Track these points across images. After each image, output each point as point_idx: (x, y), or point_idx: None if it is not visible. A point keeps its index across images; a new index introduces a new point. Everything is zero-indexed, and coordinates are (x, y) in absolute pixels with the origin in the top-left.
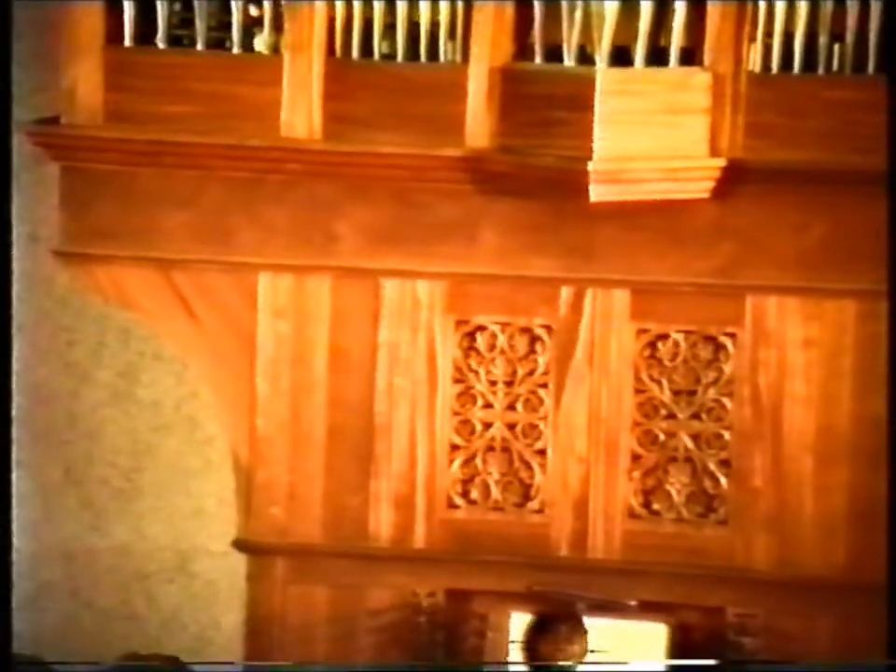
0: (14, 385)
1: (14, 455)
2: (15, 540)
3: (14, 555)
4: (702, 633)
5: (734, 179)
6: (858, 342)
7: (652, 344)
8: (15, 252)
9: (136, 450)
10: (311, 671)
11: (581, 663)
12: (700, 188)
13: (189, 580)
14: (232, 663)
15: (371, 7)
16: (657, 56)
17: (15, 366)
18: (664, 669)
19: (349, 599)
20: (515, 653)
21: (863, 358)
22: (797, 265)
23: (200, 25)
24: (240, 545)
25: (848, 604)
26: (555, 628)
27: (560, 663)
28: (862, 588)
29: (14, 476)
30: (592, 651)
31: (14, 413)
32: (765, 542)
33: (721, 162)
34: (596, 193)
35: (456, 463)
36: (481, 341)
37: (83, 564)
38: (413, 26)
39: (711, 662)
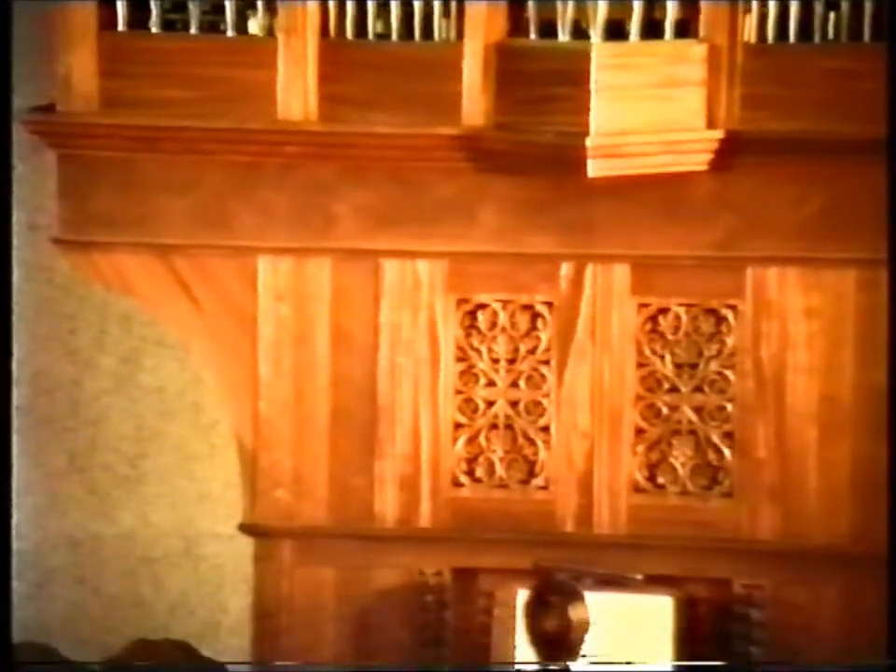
0: (17, 374)
1: (18, 444)
2: (20, 529)
3: (20, 544)
4: (708, 605)
5: (731, 151)
6: (859, 311)
7: (654, 318)
8: (14, 241)
9: (140, 436)
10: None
11: (584, 632)
12: (698, 160)
13: (196, 564)
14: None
15: None
16: (652, 29)
17: (17, 354)
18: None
19: (356, 580)
20: (522, 630)
21: (865, 327)
22: (797, 235)
23: (193, 9)
24: (246, 529)
25: (853, 573)
26: (551, 602)
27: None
28: (867, 558)
29: (18, 465)
30: (592, 623)
31: (17, 402)
32: (770, 513)
33: (719, 134)
34: (594, 168)
35: (460, 441)
36: (482, 319)
37: (89, 551)
38: (407, 5)
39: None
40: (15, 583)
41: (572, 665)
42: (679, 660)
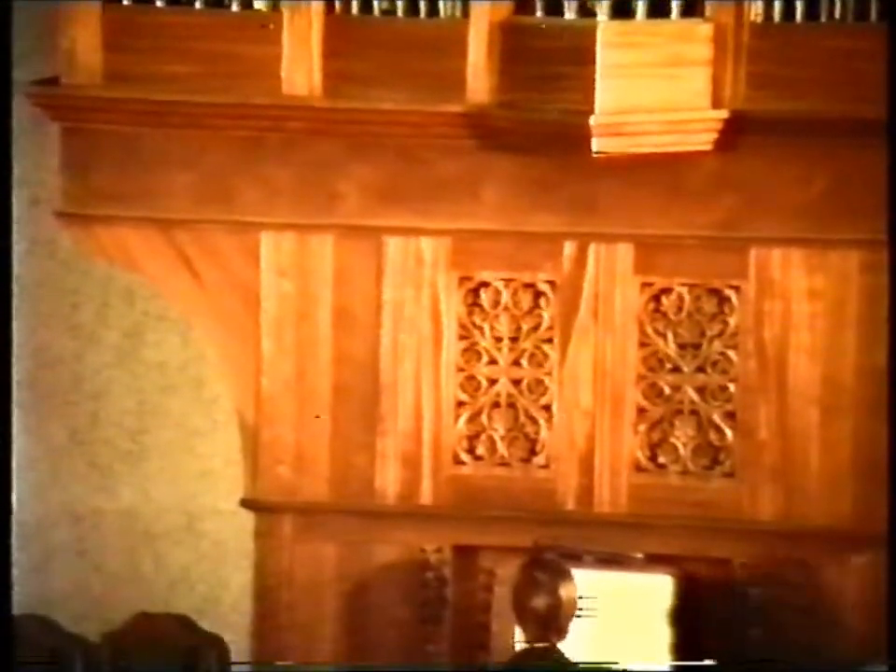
0: (19, 349)
1: (19, 419)
2: (23, 503)
3: (22, 517)
4: (708, 584)
5: (736, 131)
6: (862, 292)
7: (657, 298)
8: (16, 216)
9: (142, 411)
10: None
11: (573, 611)
12: (703, 140)
13: (197, 540)
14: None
15: None
16: (658, 7)
17: (19, 329)
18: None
19: (357, 556)
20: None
21: (868, 309)
22: (800, 216)
23: None
24: (247, 504)
25: (854, 554)
26: (540, 580)
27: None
28: (868, 538)
29: (20, 439)
30: (582, 598)
31: (19, 376)
32: (771, 494)
33: (724, 114)
34: (599, 147)
35: (462, 419)
36: (485, 297)
37: (90, 525)
38: None
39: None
40: (17, 556)
41: (560, 645)
42: (677, 640)
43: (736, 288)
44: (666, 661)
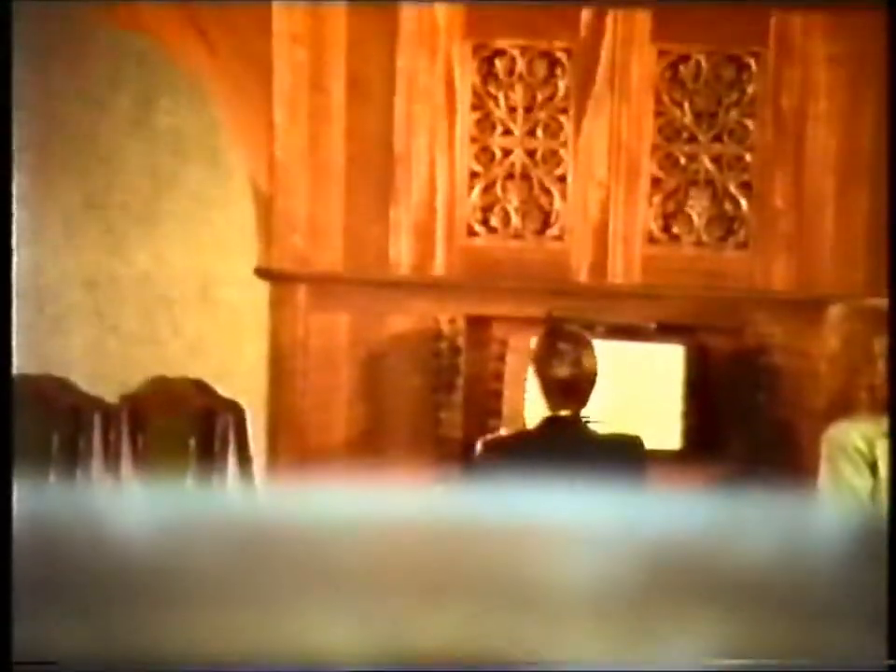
0: (29, 115)
1: (34, 183)
2: (38, 268)
3: (38, 281)
4: (719, 353)
5: None
6: (883, 57)
7: (674, 66)
8: None
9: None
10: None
11: (594, 380)
12: None
13: (213, 307)
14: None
15: None
16: None
17: (31, 95)
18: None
19: (371, 326)
20: (530, 377)
21: (888, 75)
22: None
23: None
24: (261, 273)
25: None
26: (562, 350)
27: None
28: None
29: (34, 205)
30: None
31: (31, 139)
32: (785, 263)
33: None
34: None
35: (476, 191)
36: (499, 66)
37: (106, 290)
38: None
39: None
40: (34, 318)
41: (583, 413)
42: (689, 406)
43: (756, 55)
44: (677, 429)
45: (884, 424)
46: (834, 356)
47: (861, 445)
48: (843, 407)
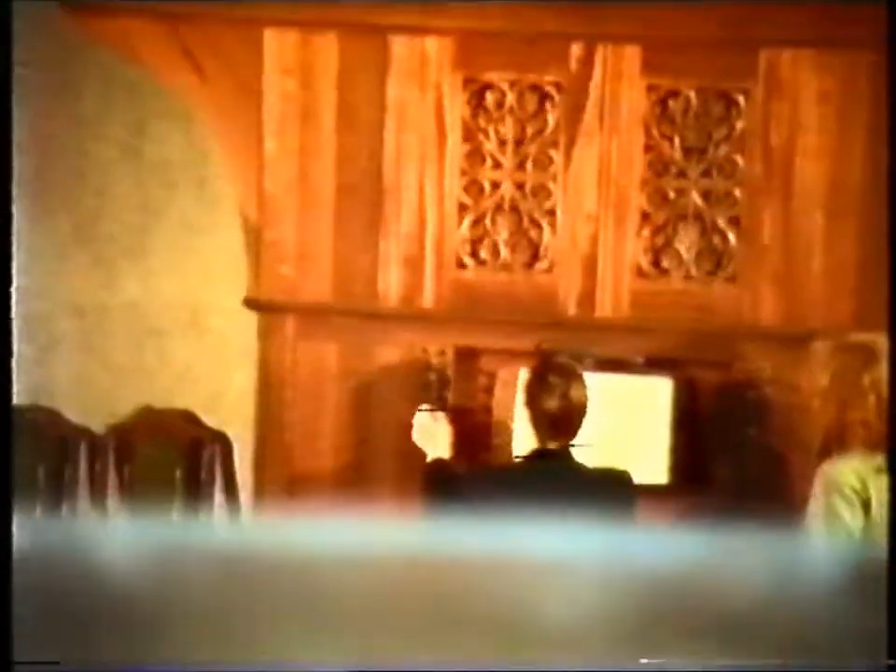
0: (22, 140)
1: (27, 210)
2: (27, 297)
3: (26, 310)
4: (708, 386)
5: None
6: (871, 95)
7: (663, 101)
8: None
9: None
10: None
11: (584, 412)
12: None
13: (201, 336)
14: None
15: None
16: None
17: (23, 118)
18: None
19: (359, 356)
20: (519, 409)
21: (877, 111)
22: (812, 16)
23: None
24: (250, 303)
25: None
26: (552, 382)
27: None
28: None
29: (25, 232)
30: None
31: (24, 168)
32: (773, 298)
33: None
34: None
35: (465, 223)
36: (490, 99)
37: (94, 320)
38: None
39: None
40: (22, 348)
41: (573, 442)
42: (677, 439)
43: (745, 90)
44: (665, 463)
45: (877, 460)
46: (823, 390)
47: (856, 483)
48: (832, 441)
